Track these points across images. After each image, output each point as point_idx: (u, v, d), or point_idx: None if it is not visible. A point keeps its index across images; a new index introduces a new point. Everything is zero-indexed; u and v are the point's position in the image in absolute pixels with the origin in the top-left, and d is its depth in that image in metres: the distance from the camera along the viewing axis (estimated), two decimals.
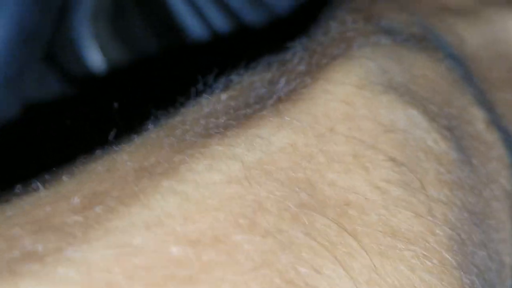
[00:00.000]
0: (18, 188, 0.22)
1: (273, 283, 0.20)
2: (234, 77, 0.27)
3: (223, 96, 0.26)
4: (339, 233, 0.22)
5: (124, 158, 0.23)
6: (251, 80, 0.27)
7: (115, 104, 0.28)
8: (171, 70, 0.44)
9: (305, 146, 0.23)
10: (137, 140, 0.24)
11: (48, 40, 0.39)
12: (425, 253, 0.22)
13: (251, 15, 0.44)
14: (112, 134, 0.25)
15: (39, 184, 0.22)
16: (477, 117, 0.28)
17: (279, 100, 0.25)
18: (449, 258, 0.23)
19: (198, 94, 0.26)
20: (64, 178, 0.22)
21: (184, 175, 0.21)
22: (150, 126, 0.25)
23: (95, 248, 0.19)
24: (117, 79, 0.46)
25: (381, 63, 0.27)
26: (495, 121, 0.29)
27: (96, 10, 0.48)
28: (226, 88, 0.27)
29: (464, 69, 0.30)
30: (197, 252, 0.20)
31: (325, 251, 0.21)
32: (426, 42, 0.30)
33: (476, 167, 0.27)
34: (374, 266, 0.22)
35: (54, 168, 0.23)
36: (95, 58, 0.48)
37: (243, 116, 0.24)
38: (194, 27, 0.44)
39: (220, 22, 0.44)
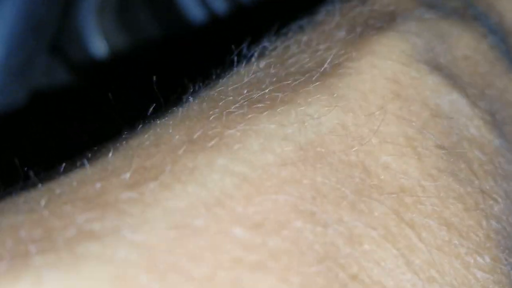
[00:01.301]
0: (63, 166, 0.21)
1: (338, 278, 0.19)
2: (266, 44, 0.26)
3: (261, 63, 0.25)
4: (397, 223, 0.21)
5: (170, 132, 0.22)
6: (285, 45, 0.26)
7: (154, 78, 0.27)
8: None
9: (355, 126, 0.23)
10: (180, 113, 0.23)
11: (55, 31, 0.39)
12: (477, 249, 0.22)
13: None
14: (150, 110, 0.24)
15: (85, 161, 0.21)
16: None
17: (325, 73, 0.24)
18: (499, 254, 0.22)
19: (233, 64, 0.26)
20: (109, 154, 0.21)
21: (238, 154, 0.21)
22: (190, 98, 0.24)
23: (155, 229, 0.18)
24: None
25: (426, 39, 0.26)
26: None
27: (102, 2, 0.49)
28: (261, 55, 0.26)
29: (506, 46, 0.29)
30: (263, 236, 0.19)
31: (386, 243, 0.21)
32: (469, 17, 0.29)
33: None
34: (434, 262, 0.21)
35: (95, 147, 0.22)
36: (100, 48, 0.48)
37: (288, 88, 0.23)
38: (197, 16, 0.45)
39: (222, 7, 0.44)
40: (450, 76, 0.26)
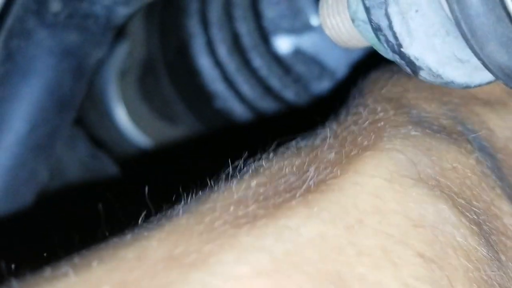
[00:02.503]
0: (48, 271, 0.22)
1: None
2: (263, 162, 0.27)
3: (253, 183, 0.26)
4: None
5: (153, 245, 0.23)
6: (280, 166, 0.27)
7: (146, 188, 0.28)
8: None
9: (334, 237, 0.23)
10: (167, 226, 0.24)
11: (79, 105, 0.39)
12: None
13: (281, 88, 0.44)
14: (142, 217, 0.25)
15: (69, 269, 0.22)
16: (506, 212, 0.28)
17: (309, 190, 0.25)
18: None
19: (228, 178, 0.27)
20: (94, 263, 0.22)
21: (213, 267, 0.22)
22: (180, 211, 0.25)
23: None
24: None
25: (410, 155, 0.27)
26: None
27: (125, 68, 0.49)
28: (255, 173, 0.27)
29: (494, 162, 0.30)
30: None
31: None
32: (457, 134, 0.30)
33: (505, 264, 0.27)
34: None
35: (83, 249, 0.23)
36: (121, 115, 0.49)
37: (272, 206, 0.24)
38: (222, 93, 0.45)
39: (250, 90, 0.44)
40: (437, 186, 0.27)
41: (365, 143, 0.27)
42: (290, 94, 0.44)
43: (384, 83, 0.32)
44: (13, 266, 0.25)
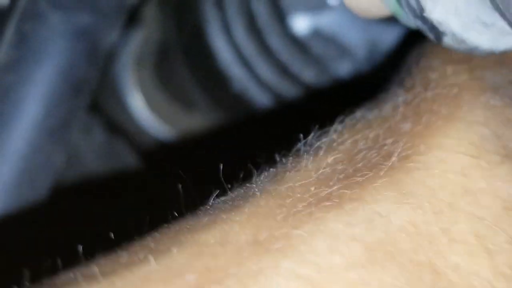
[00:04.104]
0: (124, 256, 0.21)
1: None
2: (334, 136, 0.26)
3: (329, 159, 0.25)
4: None
5: (235, 230, 0.22)
6: (354, 139, 0.26)
7: (220, 166, 0.26)
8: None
9: (425, 224, 0.22)
10: (247, 209, 0.23)
11: (94, 89, 0.39)
12: None
13: (299, 69, 0.43)
14: (213, 196, 0.24)
15: (148, 255, 0.21)
16: None
17: (392, 168, 0.24)
18: None
19: (299, 153, 0.26)
20: (174, 249, 0.21)
21: (304, 256, 0.21)
22: (256, 192, 0.24)
23: None
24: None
25: (494, 128, 0.26)
26: None
27: (141, 55, 0.48)
28: (329, 148, 0.26)
29: None
30: None
31: None
32: None
33: None
34: None
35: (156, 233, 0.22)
36: (138, 103, 0.48)
37: (356, 185, 0.23)
38: (240, 77, 0.44)
39: (267, 73, 0.43)
40: None
41: (443, 111, 0.26)
42: (309, 76, 0.43)
43: None
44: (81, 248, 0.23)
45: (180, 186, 0.26)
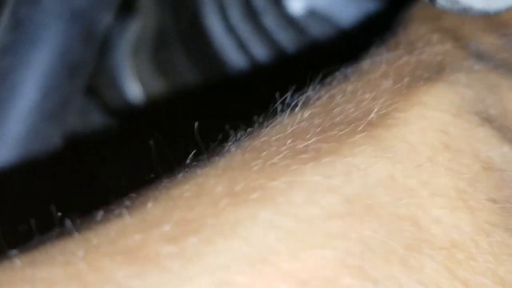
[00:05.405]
0: (100, 214, 0.21)
1: None
2: (311, 93, 0.26)
3: (306, 113, 0.25)
4: (450, 281, 0.21)
5: (211, 182, 0.21)
6: (330, 94, 0.26)
7: (195, 124, 0.26)
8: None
9: (404, 178, 0.22)
10: (222, 163, 0.23)
11: (90, 72, 0.39)
12: None
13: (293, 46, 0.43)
14: (191, 156, 0.24)
15: (123, 210, 0.21)
16: None
17: (371, 123, 0.24)
18: None
19: (277, 113, 0.25)
20: (149, 204, 0.21)
21: (282, 207, 0.20)
22: (232, 147, 0.23)
23: (196, 287, 0.18)
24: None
25: (476, 91, 0.26)
26: None
27: (138, 43, 0.48)
28: (305, 104, 0.25)
29: None
30: None
31: None
32: None
33: None
34: None
35: (132, 194, 0.22)
36: (135, 91, 0.48)
37: (334, 139, 0.23)
38: (237, 61, 0.44)
39: (263, 55, 0.43)
40: (501, 128, 0.25)
41: (426, 75, 0.26)
42: (305, 56, 0.43)
43: (437, 13, 0.30)
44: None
45: (154, 146, 0.26)
